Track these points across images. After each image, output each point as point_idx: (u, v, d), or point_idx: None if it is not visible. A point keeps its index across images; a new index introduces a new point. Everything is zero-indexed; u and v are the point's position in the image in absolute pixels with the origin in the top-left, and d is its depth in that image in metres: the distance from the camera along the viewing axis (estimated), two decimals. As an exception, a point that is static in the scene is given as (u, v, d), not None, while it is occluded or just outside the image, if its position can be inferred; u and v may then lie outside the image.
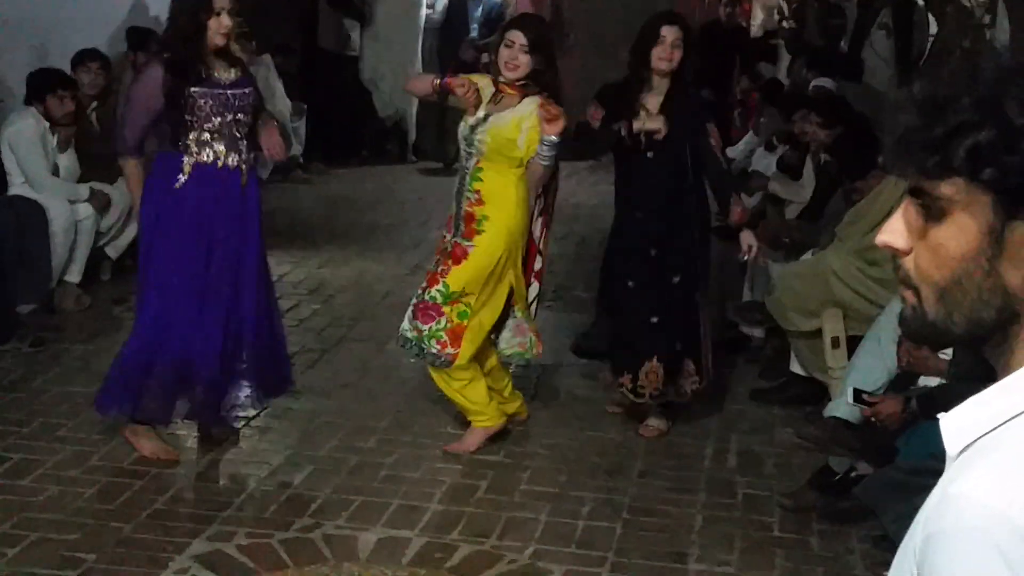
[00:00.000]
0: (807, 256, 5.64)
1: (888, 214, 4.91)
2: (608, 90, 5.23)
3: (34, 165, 6.41)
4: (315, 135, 10.61)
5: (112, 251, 6.97)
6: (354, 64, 11.21)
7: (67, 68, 6.89)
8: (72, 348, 5.92)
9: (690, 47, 5.00)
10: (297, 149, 10.21)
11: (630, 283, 5.07)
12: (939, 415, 1.18)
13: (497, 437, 5.03)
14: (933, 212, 1.16)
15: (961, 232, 1.14)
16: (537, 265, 5.06)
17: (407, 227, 8.71)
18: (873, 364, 4.55)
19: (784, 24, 11.10)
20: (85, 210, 6.59)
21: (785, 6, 11.38)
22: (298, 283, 7.36)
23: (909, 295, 1.20)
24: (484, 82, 4.87)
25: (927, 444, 3.50)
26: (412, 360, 5.13)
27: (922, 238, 1.18)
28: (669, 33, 4.93)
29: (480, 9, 12.53)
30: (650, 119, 4.93)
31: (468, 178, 4.80)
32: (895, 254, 1.21)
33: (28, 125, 6.43)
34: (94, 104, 7.11)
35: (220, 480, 4.54)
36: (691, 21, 5.96)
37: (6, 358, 5.73)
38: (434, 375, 4.94)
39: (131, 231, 6.43)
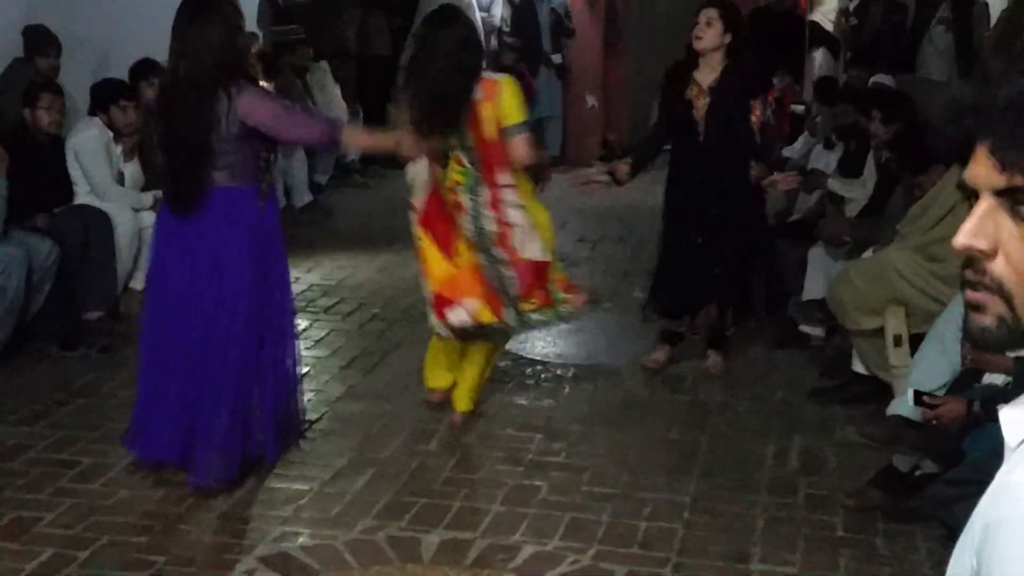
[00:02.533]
0: (868, 254, 5.59)
1: (951, 210, 4.84)
2: (669, 71, 5.76)
3: (99, 174, 6.51)
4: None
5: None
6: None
7: (127, 78, 7.01)
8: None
9: (732, 23, 5.43)
10: (355, 154, 10.28)
11: (699, 239, 5.60)
12: (999, 407, 1.18)
13: (558, 437, 5.07)
14: None
15: None
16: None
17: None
18: (936, 363, 4.49)
19: (845, 21, 10.91)
20: (149, 218, 6.64)
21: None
22: (358, 286, 7.42)
23: (995, 302, 1.14)
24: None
25: (992, 446, 3.44)
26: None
27: (1016, 239, 1.13)
28: (702, 14, 5.44)
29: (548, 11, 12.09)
30: (698, 95, 5.44)
31: None
32: (977, 257, 1.16)
33: (93, 135, 6.53)
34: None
35: (284, 483, 4.59)
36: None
37: (74, 364, 5.84)
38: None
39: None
